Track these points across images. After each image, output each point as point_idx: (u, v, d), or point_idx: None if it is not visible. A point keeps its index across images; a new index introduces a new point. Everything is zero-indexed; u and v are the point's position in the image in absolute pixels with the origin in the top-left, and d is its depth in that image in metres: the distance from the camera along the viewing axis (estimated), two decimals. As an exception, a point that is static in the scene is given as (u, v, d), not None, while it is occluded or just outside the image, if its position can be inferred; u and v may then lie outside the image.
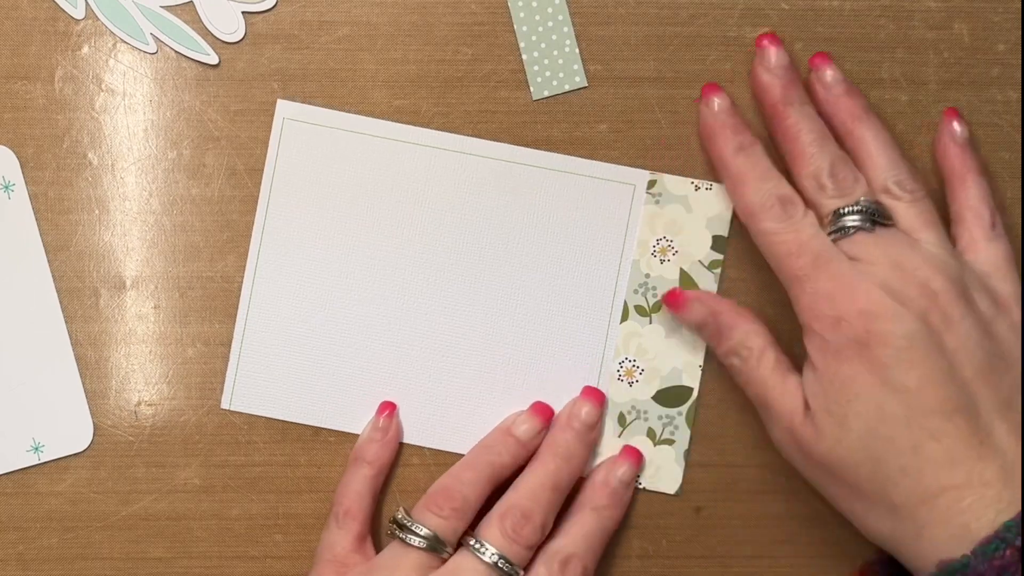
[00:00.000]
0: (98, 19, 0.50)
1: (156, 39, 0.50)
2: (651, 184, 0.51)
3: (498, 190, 0.51)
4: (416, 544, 0.46)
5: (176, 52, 0.50)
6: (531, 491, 0.47)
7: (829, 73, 0.49)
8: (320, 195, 0.50)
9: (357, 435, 0.51)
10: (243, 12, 0.50)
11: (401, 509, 0.48)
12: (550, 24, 0.50)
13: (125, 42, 0.50)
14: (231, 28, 0.50)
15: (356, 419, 0.51)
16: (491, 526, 0.47)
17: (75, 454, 0.51)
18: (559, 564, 0.47)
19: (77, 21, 0.50)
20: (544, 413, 0.50)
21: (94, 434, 0.51)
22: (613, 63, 0.51)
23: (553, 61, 0.50)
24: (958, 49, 0.51)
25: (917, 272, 0.43)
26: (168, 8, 0.50)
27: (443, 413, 0.51)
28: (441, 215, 0.51)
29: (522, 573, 0.46)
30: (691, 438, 0.51)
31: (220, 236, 0.51)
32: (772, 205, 0.46)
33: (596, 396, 0.50)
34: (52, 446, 0.50)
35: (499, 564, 0.46)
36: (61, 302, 0.50)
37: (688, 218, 0.51)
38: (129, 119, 0.51)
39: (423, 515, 0.47)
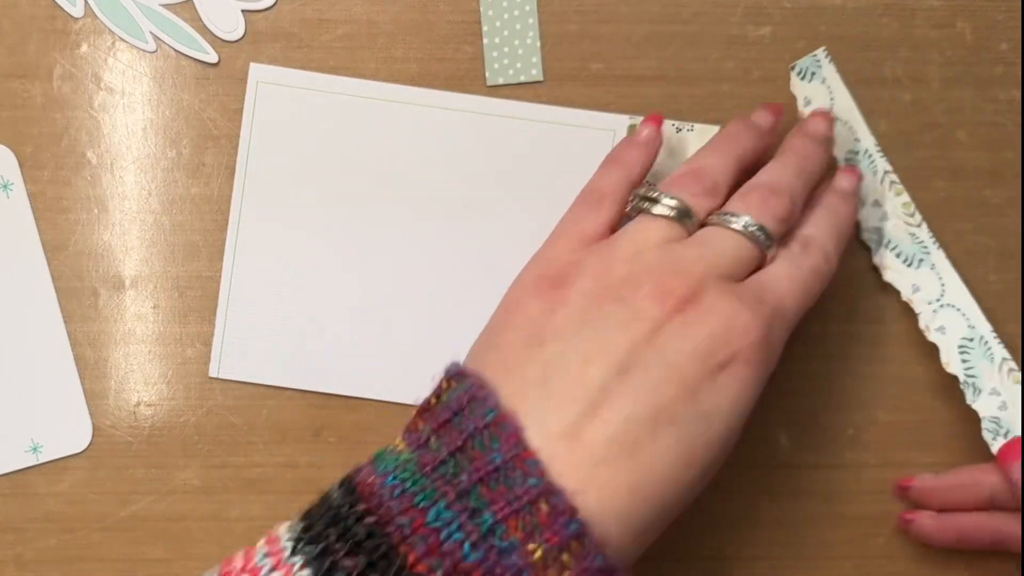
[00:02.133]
0: (97, 17, 0.50)
1: (155, 37, 0.50)
2: (631, 129, 0.50)
3: (477, 143, 0.50)
4: (663, 213, 0.42)
5: (175, 51, 0.50)
6: (774, 174, 0.44)
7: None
8: (299, 157, 0.50)
9: (351, 417, 0.51)
10: (243, 10, 0.50)
11: (646, 183, 0.45)
12: (516, 13, 0.50)
13: (124, 40, 0.50)
14: (231, 26, 0.50)
15: (345, 380, 0.50)
16: (735, 201, 0.43)
17: (74, 455, 0.50)
18: (798, 245, 0.44)
19: (76, 19, 0.50)
20: (778, 110, 0.48)
21: (93, 434, 0.50)
22: (615, 61, 0.51)
23: (513, 50, 0.50)
24: (961, 48, 0.51)
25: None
26: (167, 6, 0.50)
27: (434, 369, 0.50)
28: (420, 170, 0.50)
29: (774, 244, 0.43)
30: None
31: (220, 235, 0.50)
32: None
33: (825, 117, 0.48)
34: (51, 446, 0.50)
35: (750, 229, 0.42)
36: (60, 302, 0.50)
37: (670, 162, 0.50)
38: (128, 118, 0.50)
39: (670, 190, 0.43)
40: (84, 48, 0.50)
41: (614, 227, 0.44)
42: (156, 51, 0.50)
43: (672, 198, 0.42)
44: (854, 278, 0.51)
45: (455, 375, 0.40)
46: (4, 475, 0.50)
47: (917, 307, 0.50)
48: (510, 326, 0.41)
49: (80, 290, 0.50)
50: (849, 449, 0.51)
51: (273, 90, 0.50)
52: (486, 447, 0.37)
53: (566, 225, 0.44)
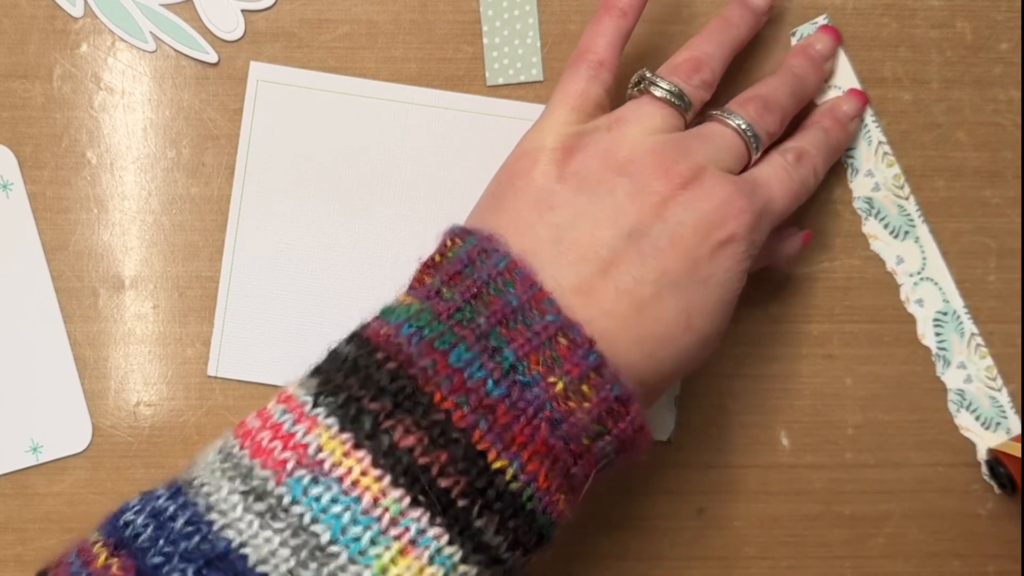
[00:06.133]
0: (97, 17, 0.50)
1: (155, 37, 0.50)
2: None
3: (477, 143, 0.50)
4: (663, 97, 0.44)
5: (175, 50, 0.50)
6: (771, 90, 0.47)
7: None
8: (299, 156, 0.50)
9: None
10: (242, 10, 0.50)
11: (645, 70, 0.45)
12: (516, 13, 0.50)
13: (124, 40, 0.50)
14: (230, 26, 0.50)
15: None
16: (734, 105, 0.46)
17: (74, 455, 0.50)
18: (793, 156, 0.46)
19: (76, 19, 0.50)
20: None
21: (93, 435, 0.50)
22: (615, 62, 0.50)
23: (513, 50, 0.50)
24: (960, 48, 0.51)
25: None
26: (167, 6, 0.50)
27: None
28: (419, 170, 0.50)
29: (760, 150, 0.45)
30: (681, 383, 0.51)
31: (219, 235, 0.50)
32: None
33: (833, 34, 0.50)
34: (51, 447, 0.50)
35: (746, 132, 0.45)
36: (60, 302, 0.50)
37: None
38: (128, 118, 0.50)
39: (670, 77, 0.45)
40: (84, 48, 0.50)
41: (611, 93, 0.45)
42: (156, 51, 0.50)
43: (673, 85, 0.44)
44: (854, 278, 0.51)
45: (459, 233, 0.42)
46: (4, 475, 0.50)
47: (900, 278, 0.51)
48: (516, 192, 0.42)
49: (80, 290, 0.50)
50: (849, 449, 0.51)
51: (273, 89, 0.50)
52: (501, 291, 0.39)
53: (567, 92, 0.45)
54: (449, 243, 0.42)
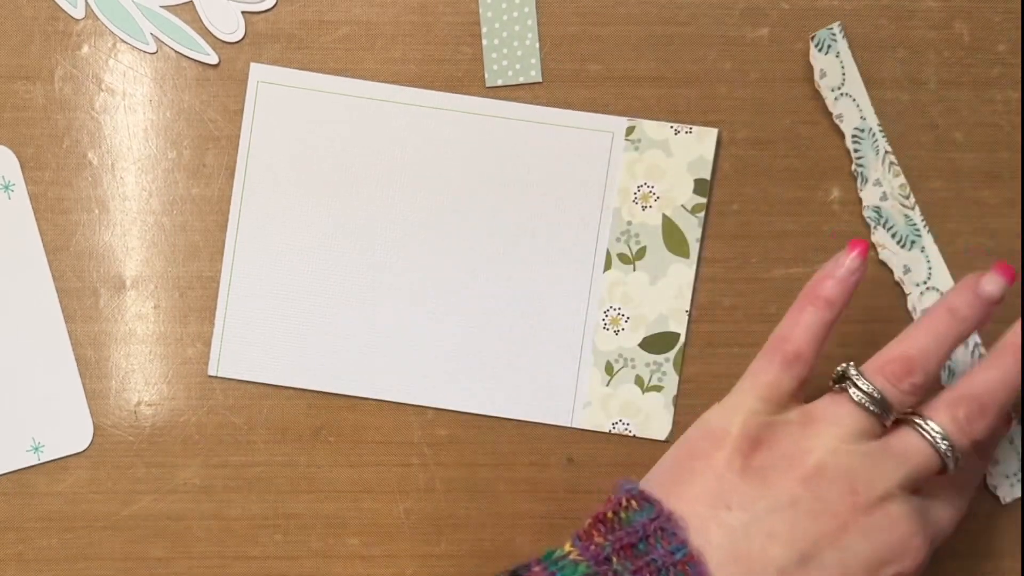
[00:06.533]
0: (98, 19, 0.50)
1: (156, 39, 0.50)
2: (629, 131, 0.51)
3: (476, 144, 0.50)
4: (861, 401, 0.42)
5: (176, 52, 0.50)
6: (989, 385, 0.43)
7: None
8: (298, 157, 0.50)
9: (351, 416, 0.51)
10: (243, 12, 0.50)
11: (851, 364, 0.43)
12: (515, 14, 0.50)
13: (125, 42, 0.50)
14: (231, 28, 0.50)
15: (345, 379, 0.51)
16: (940, 410, 0.43)
17: (75, 454, 0.51)
18: (956, 490, 0.46)
19: (77, 21, 0.50)
20: (1009, 273, 0.44)
21: (94, 434, 0.51)
22: (613, 63, 0.51)
23: (512, 52, 0.50)
24: (958, 49, 0.51)
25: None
26: (168, 8, 0.50)
27: (433, 369, 0.51)
28: (418, 171, 0.51)
29: (958, 464, 0.43)
30: (679, 383, 0.51)
31: (220, 236, 0.51)
32: None
33: None
34: (52, 446, 0.50)
35: (946, 453, 0.42)
36: (61, 302, 0.50)
37: (669, 163, 0.51)
38: (129, 119, 0.51)
39: (875, 378, 0.43)
40: (85, 49, 0.50)
41: (805, 385, 0.44)
42: (157, 52, 0.50)
43: (876, 391, 0.43)
44: (852, 278, 0.51)
45: (636, 496, 0.41)
46: (5, 474, 0.50)
47: (907, 287, 0.51)
48: (694, 474, 0.42)
49: (81, 290, 0.51)
50: (847, 449, 0.52)
51: (273, 90, 0.50)
52: None
53: (757, 381, 0.44)
54: (625, 503, 0.41)
